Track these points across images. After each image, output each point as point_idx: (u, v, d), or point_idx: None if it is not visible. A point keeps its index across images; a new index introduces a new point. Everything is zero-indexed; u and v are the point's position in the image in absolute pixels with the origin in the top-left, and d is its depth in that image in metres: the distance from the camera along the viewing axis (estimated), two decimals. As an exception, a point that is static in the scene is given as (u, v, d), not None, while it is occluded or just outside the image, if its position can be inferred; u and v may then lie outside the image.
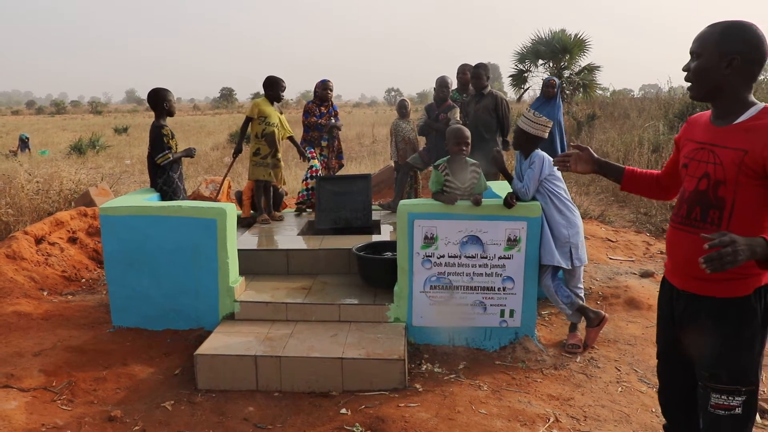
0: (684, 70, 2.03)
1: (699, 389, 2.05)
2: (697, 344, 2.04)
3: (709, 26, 1.98)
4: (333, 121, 6.80)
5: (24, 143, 21.32)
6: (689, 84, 2.03)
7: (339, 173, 7.10)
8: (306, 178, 6.79)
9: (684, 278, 2.07)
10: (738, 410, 1.96)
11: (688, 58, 2.02)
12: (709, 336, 1.99)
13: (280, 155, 6.22)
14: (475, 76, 6.29)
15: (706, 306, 2.00)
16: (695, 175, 2.02)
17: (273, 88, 6.16)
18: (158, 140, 4.86)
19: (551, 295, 4.15)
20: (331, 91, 6.85)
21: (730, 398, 1.96)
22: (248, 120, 6.17)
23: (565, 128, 7.28)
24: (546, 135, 4.08)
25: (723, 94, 1.96)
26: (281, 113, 6.34)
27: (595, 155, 2.48)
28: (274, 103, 6.24)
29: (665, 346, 2.26)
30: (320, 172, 6.68)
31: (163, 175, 4.91)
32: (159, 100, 4.89)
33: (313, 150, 6.77)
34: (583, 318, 4.24)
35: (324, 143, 6.80)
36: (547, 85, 7.03)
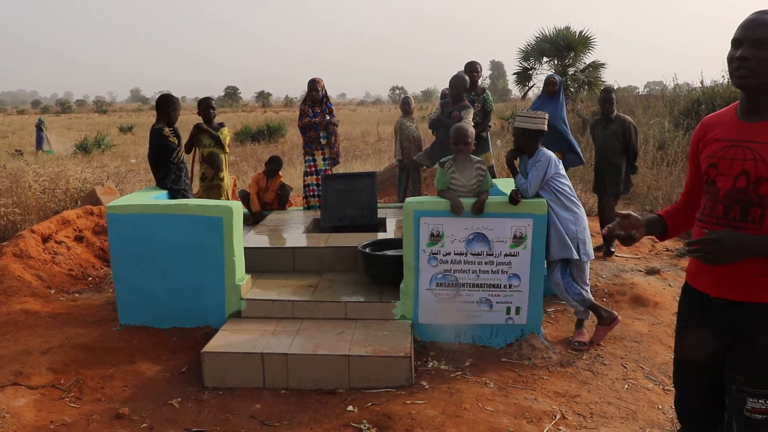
0: (741, 57, 1.87)
1: (732, 393, 1.98)
2: (734, 349, 1.97)
3: None
4: (328, 117, 6.77)
5: (40, 135, 21.35)
6: (743, 72, 1.88)
7: (344, 171, 7.12)
8: (304, 175, 6.85)
9: (720, 284, 1.97)
10: None
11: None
12: (748, 340, 1.93)
13: (222, 174, 6.00)
14: (607, 100, 6.19)
15: (745, 311, 1.93)
16: (729, 173, 1.94)
17: (198, 108, 6.07)
18: (162, 141, 4.89)
19: (561, 293, 4.15)
20: (317, 91, 6.76)
21: (767, 402, 1.90)
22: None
23: (570, 126, 7.23)
24: (546, 127, 4.07)
25: None
26: (220, 126, 6.01)
27: (640, 217, 2.23)
28: (212, 122, 6.04)
29: (688, 354, 2.17)
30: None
31: (171, 175, 4.94)
32: (166, 106, 4.93)
33: (313, 150, 6.80)
34: (591, 315, 4.24)
35: (323, 141, 6.80)
36: (548, 83, 6.99)
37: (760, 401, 1.92)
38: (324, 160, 6.83)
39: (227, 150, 6.05)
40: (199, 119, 6.05)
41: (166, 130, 4.94)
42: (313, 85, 6.74)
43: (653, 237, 2.33)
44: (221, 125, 6.04)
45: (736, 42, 1.90)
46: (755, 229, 1.88)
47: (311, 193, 6.88)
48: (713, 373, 2.07)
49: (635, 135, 6.24)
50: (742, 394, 1.95)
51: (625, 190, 6.31)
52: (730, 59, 1.92)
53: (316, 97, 6.74)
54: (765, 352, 1.90)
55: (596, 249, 6.11)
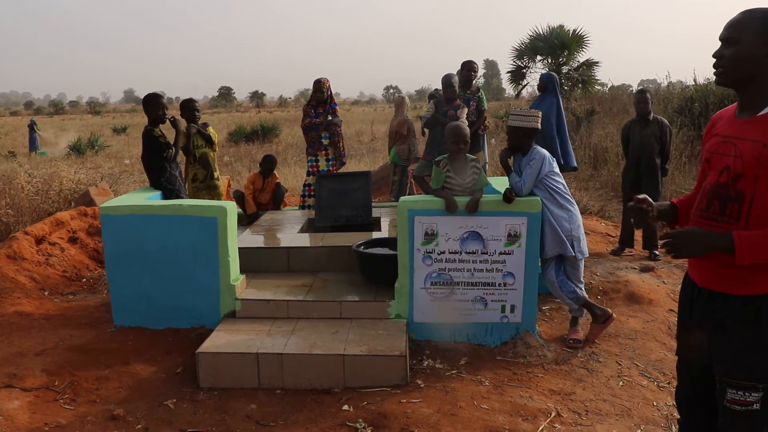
0: (715, 56, 1.95)
1: (717, 383, 2.01)
2: (714, 340, 2.00)
3: (745, 12, 1.90)
4: (329, 117, 6.75)
5: (33, 138, 21.34)
6: (719, 70, 1.94)
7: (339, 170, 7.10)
8: (306, 175, 6.84)
9: (702, 274, 2.03)
10: (756, 406, 1.91)
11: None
12: (726, 332, 1.95)
13: (216, 174, 5.94)
14: (642, 101, 6.14)
15: (724, 303, 1.96)
16: (717, 168, 1.98)
17: (182, 111, 5.93)
18: (153, 142, 4.89)
19: (555, 290, 4.15)
20: (322, 92, 6.72)
21: (746, 394, 1.91)
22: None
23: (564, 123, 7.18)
24: (539, 125, 4.07)
25: (754, 83, 1.90)
26: (205, 127, 5.92)
27: (654, 203, 2.20)
28: (198, 123, 5.91)
29: (681, 341, 2.22)
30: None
31: (166, 173, 4.94)
32: (151, 105, 4.92)
33: (315, 151, 6.77)
34: (585, 313, 4.25)
35: (325, 141, 6.77)
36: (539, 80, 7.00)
37: (738, 392, 1.94)
38: (327, 160, 6.81)
39: (216, 149, 6.03)
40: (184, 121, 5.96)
41: (156, 130, 4.93)
42: (318, 86, 6.73)
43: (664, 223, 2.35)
44: (206, 125, 6.01)
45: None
46: (732, 224, 1.91)
47: (310, 193, 6.87)
48: (705, 363, 2.08)
49: (670, 137, 6.24)
50: (723, 385, 1.98)
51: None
52: None
53: (320, 97, 6.72)
54: (741, 344, 1.93)
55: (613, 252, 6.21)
